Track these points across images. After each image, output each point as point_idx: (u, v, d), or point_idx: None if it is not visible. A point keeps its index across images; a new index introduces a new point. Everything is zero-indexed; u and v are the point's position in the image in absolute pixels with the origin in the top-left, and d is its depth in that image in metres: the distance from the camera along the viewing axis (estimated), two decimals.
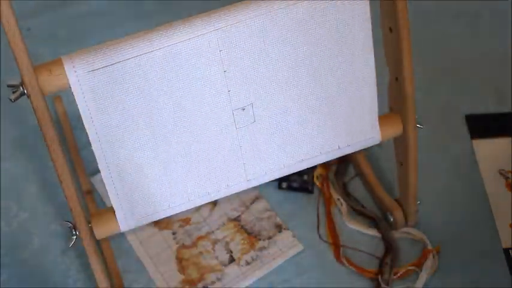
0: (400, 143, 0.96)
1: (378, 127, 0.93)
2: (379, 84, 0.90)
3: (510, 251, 1.03)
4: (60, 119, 1.17)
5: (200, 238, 1.06)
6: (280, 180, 1.10)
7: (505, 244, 1.03)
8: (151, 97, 0.81)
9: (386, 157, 1.11)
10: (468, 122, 1.17)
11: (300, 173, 1.09)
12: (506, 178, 1.10)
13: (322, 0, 0.82)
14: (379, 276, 1.00)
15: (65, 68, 0.77)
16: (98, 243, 1.00)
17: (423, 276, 1.00)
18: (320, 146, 0.91)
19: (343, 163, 1.11)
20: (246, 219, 1.08)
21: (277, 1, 0.81)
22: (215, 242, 1.05)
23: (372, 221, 1.06)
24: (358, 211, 1.07)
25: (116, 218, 0.88)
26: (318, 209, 1.08)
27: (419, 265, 1.01)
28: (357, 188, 1.10)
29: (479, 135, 1.15)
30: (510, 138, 1.15)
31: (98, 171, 0.86)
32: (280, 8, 0.81)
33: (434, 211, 1.07)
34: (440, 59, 1.25)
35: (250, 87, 0.85)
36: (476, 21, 1.31)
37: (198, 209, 1.08)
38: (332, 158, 0.93)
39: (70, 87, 0.78)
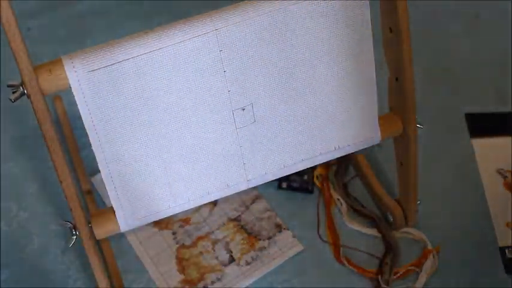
0: (400, 143, 0.96)
1: (378, 127, 0.93)
2: (379, 84, 0.90)
3: (506, 250, 1.03)
4: (60, 119, 1.17)
5: (200, 238, 1.06)
6: (280, 180, 1.10)
7: (502, 243, 1.03)
8: (151, 97, 0.81)
9: (386, 157, 1.11)
10: (468, 121, 1.17)
11: (300, 173, 1.09)
12: (505, 177, 1.10)
13: (322, 1, 0.82)
14: (379, 276, 1.00)
15: (65, 68, 0.77)
16: (98, 243, 1.00)
17: (423, 276, 1.00)
18: (320, 146, 0.91)
19: (343, 163, 1.11)
20: (246, 219, 1.07)
21: (277, 1, 0.81)
22: (215, 242, 1.05)
23: (372, 221, 1.06)
24: (358, 211, 1.07)
25: (116, 218, 0.88)
26: (318, 209, 1.08)
27: (419, 265, 1.01)
28: (357, 188, 1.10)
29: (478, 134, 1.15)
30: (510, 138, 1.15)
31: (98, 171, 0.86)
32: (280, 8, 0.81)
33: (434, 211, 1.07)
34: (440, 59, 1.25)
35: (250, 87, 0.85)
36: (476, 21, 1.31)
37: (198, 209, 1.08)
38: (332, 158, 0.93)
39: (70, 87, 0.78)
